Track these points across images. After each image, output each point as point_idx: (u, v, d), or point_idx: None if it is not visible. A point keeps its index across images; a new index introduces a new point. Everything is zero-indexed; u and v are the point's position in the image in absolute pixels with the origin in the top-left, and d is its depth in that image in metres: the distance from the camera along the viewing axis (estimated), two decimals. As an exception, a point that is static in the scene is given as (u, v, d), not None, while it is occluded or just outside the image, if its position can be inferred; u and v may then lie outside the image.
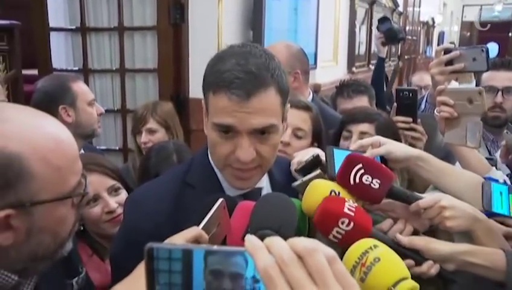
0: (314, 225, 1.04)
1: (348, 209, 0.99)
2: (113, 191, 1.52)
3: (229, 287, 0.52)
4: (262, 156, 1.07)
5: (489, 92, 2.24)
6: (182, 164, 1.35)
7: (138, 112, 2.34)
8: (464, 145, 1.57)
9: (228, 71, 1.01)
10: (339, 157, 1.17)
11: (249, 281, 0.52)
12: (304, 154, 1.36)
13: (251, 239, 0.52)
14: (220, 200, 0.94)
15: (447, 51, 1.70)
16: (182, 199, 1.12)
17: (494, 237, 1.14)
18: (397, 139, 1.73)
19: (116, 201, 1.50)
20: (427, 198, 1.15)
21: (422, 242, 1.04)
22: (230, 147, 1.05)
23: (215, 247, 0.54)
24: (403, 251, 1.02)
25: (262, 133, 1.04)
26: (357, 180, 1.07)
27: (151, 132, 2.26)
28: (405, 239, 1.05)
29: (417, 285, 0.81)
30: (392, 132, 1.73)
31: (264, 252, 0.51)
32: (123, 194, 1.53)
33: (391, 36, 3.64)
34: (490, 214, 1.15)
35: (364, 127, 1.75)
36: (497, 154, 1.71)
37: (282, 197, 0.98)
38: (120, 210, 1.49)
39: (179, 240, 0.89)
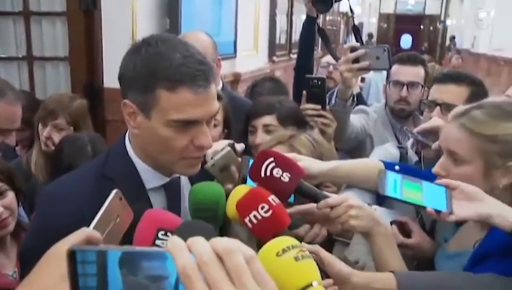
0: (236, 210, 1.04)
1: (272, 199, 1.02)
2: None
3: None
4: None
5: (396, 86, 2.37)
6: (98, 156, 1.30)
7: (50, 105, 2.18)
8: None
9: (183, 65, 1.01)
10: None
11: (172, 283, 0.52)
12: (216, 145, 1.37)
13: (173, 239, 0.53)
14: (114, 191, 0.92)
15: (353, 49, 1.80)
16: (100, 192, 1.05)
17: (390, 242, 1.20)
18: (303, 124, 1.79)
19: (1, 204, 1.42)
20: (336, 196, 1.19)
21: (330, 258, 1.06)
22: (187, 138, 1.05)
23: (137, 248, 0.53)
24: None
25: (211, 118, 1.09)
26: (268, 173, 1.09)
27: (59, 129, 2.12)
28: (312, 247, 1.06)
29: None
30: (295, 119, 1.78)
31: (185, 252, 0.51)
32: (10, 196, 1.45)
33: None
34: (384, 198, 1.21)
35: (266, 119, 1.80)
36: (408, 143, 1.83)
37: (200, 226, 0.94)
38: (6, 214, 1.42)
39: (65, 246, 0.81)
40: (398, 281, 1.07)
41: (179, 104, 1.02)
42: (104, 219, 0.89)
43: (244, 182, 1.19)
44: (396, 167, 1.48)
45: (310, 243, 1.16)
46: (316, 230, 1.20)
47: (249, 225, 1.01)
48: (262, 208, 0.99)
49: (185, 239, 0.79)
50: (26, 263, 1.10)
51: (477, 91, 1.82)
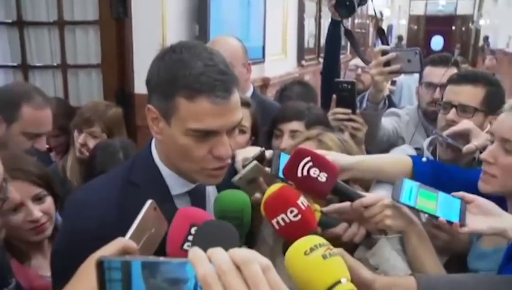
0: (263, 210, 1.04)
1: (302, 203, 1.01)
2: (37, 199, 1.46)
3: None
4: (232, 150, 1.09)
5: (429, 87, 2.33)
6: (125, 162, 1.32)
7: (86, 113, 2.21)
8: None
9: (203, 74, 0.99)
10: (284, 160, 1.18)
11: (190, 288, 0.56)
12: (245, 152, 1.37)
13: (194, 250, 0.57)
14: (149, 202, 0.92)
15: (384, 53, 1.78)
16: (126, 197, 1.09)
17: (425, 242, 1.19)
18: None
19: (40, 209, 1.45)
20: (371, 196, 1.18)
21: (353, 263, 1.05)
22: (206, 148, 1.04)
23: (161, 258, 0.57)
24: None
25: (233, 128, 1.07)
26: (305, 172, 1.07)
27: (94, 136, 2.16)
28: (337, 250, 1.06)
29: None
30: (323, 126, 1.76)
31: (205, 261, 0.56)
32: (48, 202, 1.48)
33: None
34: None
35: (294, 125, 1.79)
36: (424, 144, 1.80)
37: (223, 226, 0.95)
38: (44, 219, 1.45)
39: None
40: (418, 284, 1.06)
41: (197, 114, 1.00)
42: (140, 229, 0.89)
43: (276, 177, 1.18)
44: (424, 159, 1.47)
45: (348, 242, 1.15)
46: (354, 229, 1.17)
47: (276, 226, 1.00)
48: (291, 212, 0.99)
49: (205, 238, 0.84)
50: (56, 266, 1.13)
51: (494, 91, 1.78)
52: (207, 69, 1.00)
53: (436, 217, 1.13)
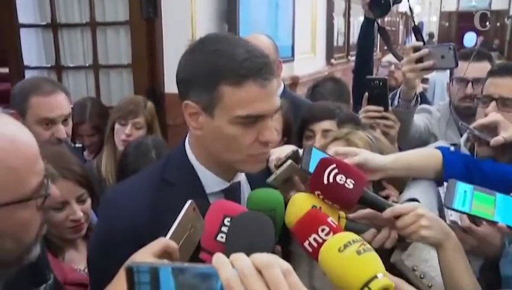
0: (294, 235, 1.02)
1: (331, 221, 0.99)
2: (81, 201, 1.50)
3: None
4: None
5: (460, 83, 2.27)
6: (158, 161, 1.32)
7: (128, 105, 2.26)
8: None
9: (247, 60, 1.00)
10: (316, 156, 1.16)
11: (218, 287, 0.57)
12: (280, 151, 1.36)
13: (218, 255, 0.60)
14: (189, 202, 0.92)
15: (416, 49, 1.74)
16: (160, 196, 1.10)
17: (461, 256, 1.12)
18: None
19: (81, 209, 1.49)
20: (403, 205, 1.13)
21: (396, 280, 1.01)
22: (254, 134, 1.05)
23: (185, 264, 0.59)
24: None
25: (276, 112, 1.09)
26: (331, 179, 1.05)
27: (137, 128, 2.21)
28: None
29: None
30: (353, 124, 1.73)
31: (228, 266, 0.58)
32: (88, 203, 1.53)
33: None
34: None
35: (326, 124, 1.76)
36: (461, 140, 1.75)
37: (259, 218, 0.94)
38: (83, 219, 1.49)
39: (145, 254, 0.86)
40: None
41: (245, 100, 1.01)
42: (180, 229, 0.90)
43: (306, 173, 1.16)
44: (452, 148, 1.46)
45: (378, 247, 1.11)
46: (384, 234, 1.12)
47: (309, 249, 0.97)
48: (322, 231, 0.96)
49: (241, 229, 0.87)
50: (94, 267, 1.15)
51: None
52: (250, 54, 1.02)
53: (495, 223, 1.07)
